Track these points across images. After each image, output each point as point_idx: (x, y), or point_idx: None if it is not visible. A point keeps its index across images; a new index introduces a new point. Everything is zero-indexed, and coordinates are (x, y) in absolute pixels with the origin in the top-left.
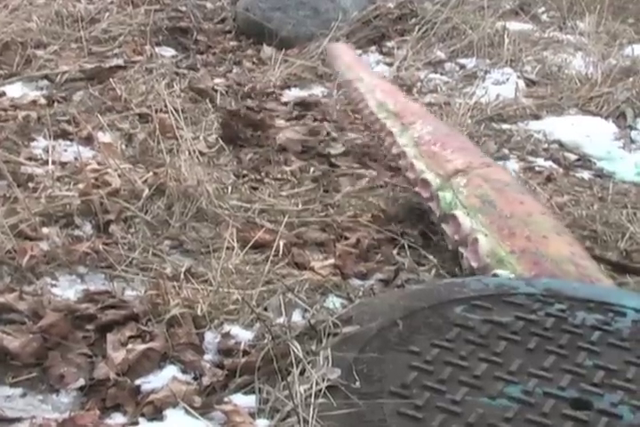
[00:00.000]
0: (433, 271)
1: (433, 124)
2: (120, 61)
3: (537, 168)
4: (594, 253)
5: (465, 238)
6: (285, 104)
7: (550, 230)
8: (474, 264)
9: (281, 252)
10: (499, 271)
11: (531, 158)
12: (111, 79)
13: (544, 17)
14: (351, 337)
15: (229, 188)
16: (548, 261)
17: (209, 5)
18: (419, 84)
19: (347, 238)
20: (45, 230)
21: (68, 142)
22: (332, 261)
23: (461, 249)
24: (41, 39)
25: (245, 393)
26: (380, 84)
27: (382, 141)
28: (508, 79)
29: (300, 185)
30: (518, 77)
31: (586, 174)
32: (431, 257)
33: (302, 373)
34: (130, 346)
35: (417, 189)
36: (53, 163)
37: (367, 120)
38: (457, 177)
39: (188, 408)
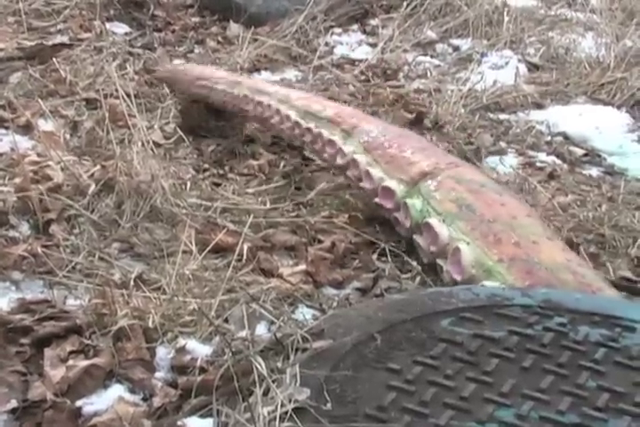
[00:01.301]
0: (417, 279)
1: (379, 124)
2: (65, 39)
3: (538, 164)
4: (600, 260)
5: (444, 249)
6: None
7: (540, 235)
8: (457, 277)
9: (245, 256)
10: (487, 283)
11: (531, 153)
12: (54, 59)
13: None
14: (322, 353)
15: (188, 184)
16: (542, 269)
17: None
18: (406, 67)
19: (320, 242)
20: None
21: (3, 131)
22: (302, 267)
23: (440, 261)
24: None
25: (202, 416)
26: (291, 92)
27: (320, 154)
28: (507, 63)
29: (269, 181)
30: (519, 61)
31: (594, 171)
32: (415, 264)
33: (266, 393)
34: (70, 362)
35: (377, 200)
36: None
37: (289, 136)
38: (425, 181)
39: None
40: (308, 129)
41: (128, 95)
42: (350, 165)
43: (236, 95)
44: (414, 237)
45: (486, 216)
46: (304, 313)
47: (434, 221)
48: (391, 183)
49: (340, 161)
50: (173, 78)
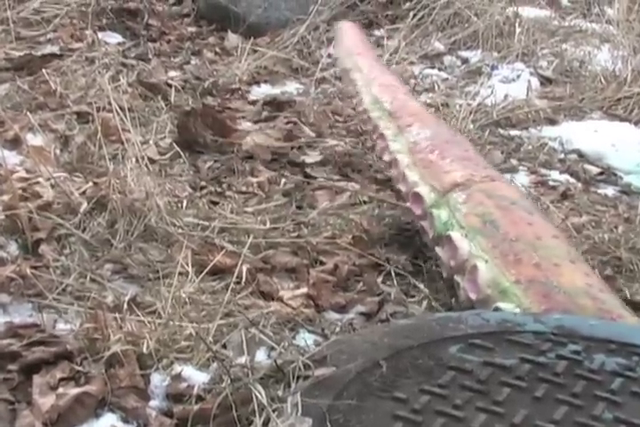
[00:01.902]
0: (424, 304)
1: (433, 127)
2: (55, 49)
3: (551, 183)
4: (616, 284)
5: (462, 265)
6: (253, 103)
7: (563, 257)
8: (472, 296)
9: (244, 279)
10: (501, 305)
11: (544, 171)
12: (44, 70)
13: (565, 1)
14: (325, 381)
15: (184, 202)
16: (560, 293)
17: None
18: (412, 81)
19: (322, 264)
20: None
21: None
22: (304, 290)
23: (458, 278)
24: None
25: None
26: (380, 77)
27: (373, 146)
28: (519, 76)
29: (269, 200)
30: (531, 74)
31: (610, 191)
32: (422, 287)
33: (266, 423)
34: (61, 390)
35: (408, 204)
36: None
37: (359, 120)
38: (455, 192)
39: None
40: (370, 118)
41: (121, 108)
42: (393, 163)
43: (343, 68)
44: (436, 249)
45: (510, 234)
46: (305, 339)
47: (456, 234)
48: (423, 190)
49: (386, 157)
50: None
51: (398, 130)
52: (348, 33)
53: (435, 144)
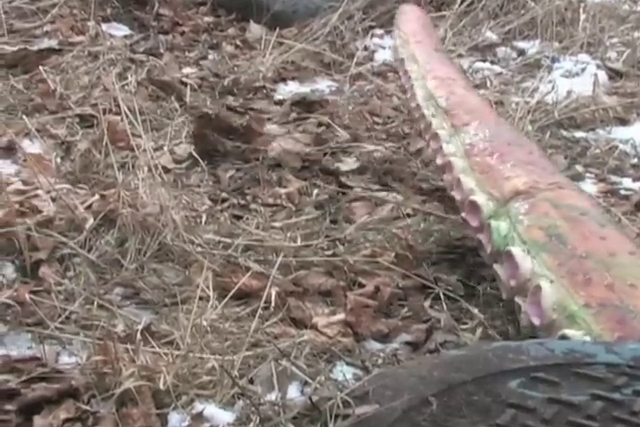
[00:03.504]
0: (478, 331)
1: (493, 126)
2: (53, 43)
3: (622, 192)
4: None
5: (524, 285)
6: (280, 103)
7: None
8: (535, 321)
9: (273, 303)
10: (568, 331)
11: (614, 178)
12: (41, 67)
13: None
14: (367, 420)
15: (203, 216)
16: (636, 318)
17: None
18: None
19: (361, 286)
20: None
21: None
22: (341, 316)
23: (519, 300)
24: None
25: None
26: (436, 69)
27: (426, 147)
28: (583, 70)
29: (299, 213)
30: (598, 67)
31: None
32: (476, 312)
33: None
34: None
35: (464, 214)
36: None
37: (412, 117)
38: (517, 201)
39: None
40: (424, 116)
41: (130, 110)
42: (447, 167)
43: (398, 58)
44: (494, 266)
45: (579, 250)
46: (344, 372)
47: (517, 250)
48: (480, 198)
49: (439, 160)
50: None
51: (454, 129)
52: (409, 17)
53: (494, 146)
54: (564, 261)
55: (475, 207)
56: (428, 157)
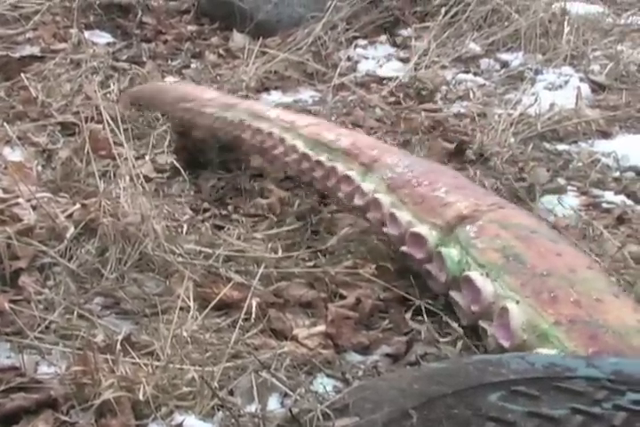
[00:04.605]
0: (459, 344)
1: (405, 157)
2: (35, 50)
3: (605, 205)
4: None
5: (488, 309)
6: None
7: (604, 291)
8: (504, 343)
9: (253, 315)
10: (541, 351)
11: (596, 191)
12: (23, 74)
13: None
14: None
15: (184, 226)
16: (608, 333)
17: None
18: (444, 87)
19: (342, 297)
20: None
21: None
22: (321, 328)
23: (484, 324)
24: None
25: None
26: (297, 117)
27: (334, 193)
28: (567, 82)
29: (281, 224)
30: (581, 80)
31: None
32: (456, 325)
33: None
34: None
35: (405, 248)
36: None
37: (296, 171)
38: (463, 226)
39: None
40: (319, 162)
41: (112, 119)
42: (371, 206)
43: (229, 121)
44: (451, 293)
45: (539, 269)
46: (324, 384)
47: (475, 274)
48: (422, 229)
49: (358, 201)
50: (150, 100)
51: (365, 168)
52: (176, 88)
53: (418, 175)
54: (527, 281)
55: (418, 239)
56: (341, 201)
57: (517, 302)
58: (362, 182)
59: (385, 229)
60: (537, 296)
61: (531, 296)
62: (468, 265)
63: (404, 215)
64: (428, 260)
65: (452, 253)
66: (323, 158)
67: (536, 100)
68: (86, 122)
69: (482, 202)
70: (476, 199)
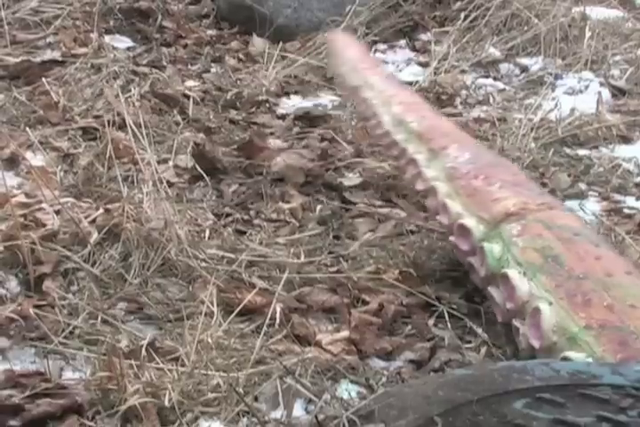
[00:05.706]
0: (482, 351)
1: (473, 149)
2: (56, 54)
3: (626, 210)
4: None
5: (521, 308)
6: (282, 118)
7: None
8: (535, 343)
9: (277, 320)
10: (570, 354)
11: (617, 197)
12: (44, 79)
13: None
14: None
15: (207, 231)
16: (638, 339)
17: None
18: (463, 92)
19: (365, 303)
20: None
21: None
22: (345, 333)
23: (516, 323)
24: None
25: None
26: (398, 94)
27: (403, 173)
28: (587, 87)
29: (303, 229)
30: (602, 85)
31: None
32: (480, 331)
33: None
34: None
35: (453, 238)
36: None
37: (381, 144)
38: (508, 222)
39: None
40: (396, 141)
41: (135, 124)
42: (430, 192)
43: (350, 86)
44: (489, 289)
45: (576, 271)
46: (348, 390)
47: (513, 272)
48: (469, 221)
49: (419, 186)
50: None
51: (432, 153)
52: (345, 44)
53: (478, 168)
54: (562, 283)
55: (464, 231)
56: (406, 182)
57: (550, 304)
58: (425, 168)
59: (437, 218)
60: (570, 299)
61: (564, 298)
62: (508, 262)
63: (455, 206)
64: (472, 253)
65: (494, 248)
66: (399, 137)
67: (556, 105)
68: (108, 127)
69: (532, 201)
70: (526, 198)
